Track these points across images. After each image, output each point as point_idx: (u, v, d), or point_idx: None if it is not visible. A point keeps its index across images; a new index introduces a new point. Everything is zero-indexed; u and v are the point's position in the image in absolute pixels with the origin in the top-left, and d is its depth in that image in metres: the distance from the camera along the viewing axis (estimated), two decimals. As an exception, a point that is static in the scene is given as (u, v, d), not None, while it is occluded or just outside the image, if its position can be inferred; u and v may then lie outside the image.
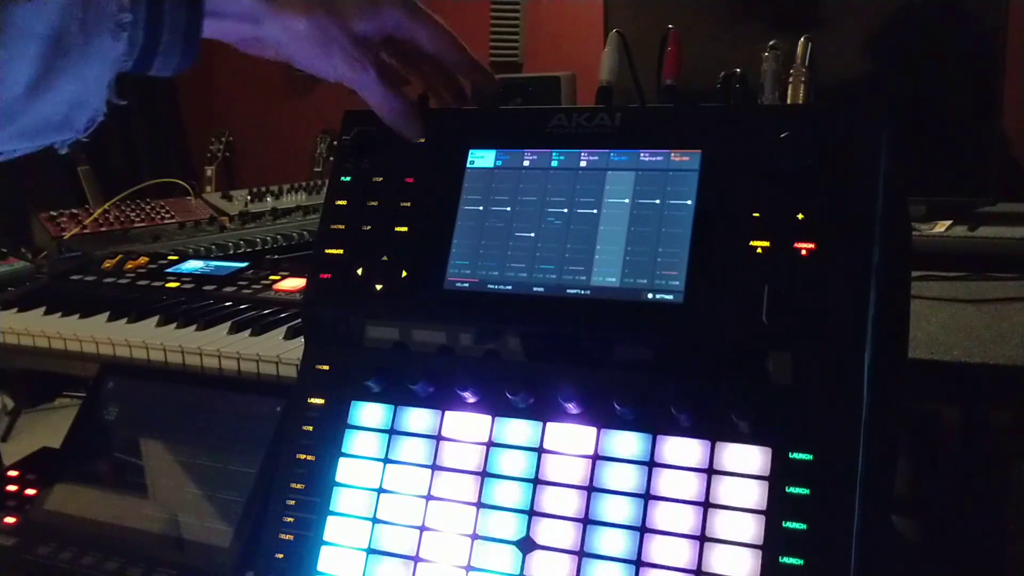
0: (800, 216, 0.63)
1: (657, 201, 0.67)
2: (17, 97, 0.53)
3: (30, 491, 0.98)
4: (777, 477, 0.60)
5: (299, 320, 1.05)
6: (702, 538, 0.61)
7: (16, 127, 0.55)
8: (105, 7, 0.55)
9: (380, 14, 0.70)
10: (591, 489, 0.64)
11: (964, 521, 1.02)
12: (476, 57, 0.76)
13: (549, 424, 0.67)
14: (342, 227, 0.75)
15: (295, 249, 1.65)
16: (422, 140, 0.74)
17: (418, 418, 0.71)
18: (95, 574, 0.87)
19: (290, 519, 0.72)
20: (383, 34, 0.71)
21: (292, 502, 0.72)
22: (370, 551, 0.69)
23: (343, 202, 0.76)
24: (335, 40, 0.68)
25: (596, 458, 0.65)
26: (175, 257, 1.40)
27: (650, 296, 0.65)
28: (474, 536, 0.66)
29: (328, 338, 0.75)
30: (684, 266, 0.65)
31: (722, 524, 0.61)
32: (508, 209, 0.71)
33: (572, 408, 0.66)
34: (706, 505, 0.61)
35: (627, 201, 0.68)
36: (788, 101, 0.74)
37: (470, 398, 0.69)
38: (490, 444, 0.68)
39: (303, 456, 0.73)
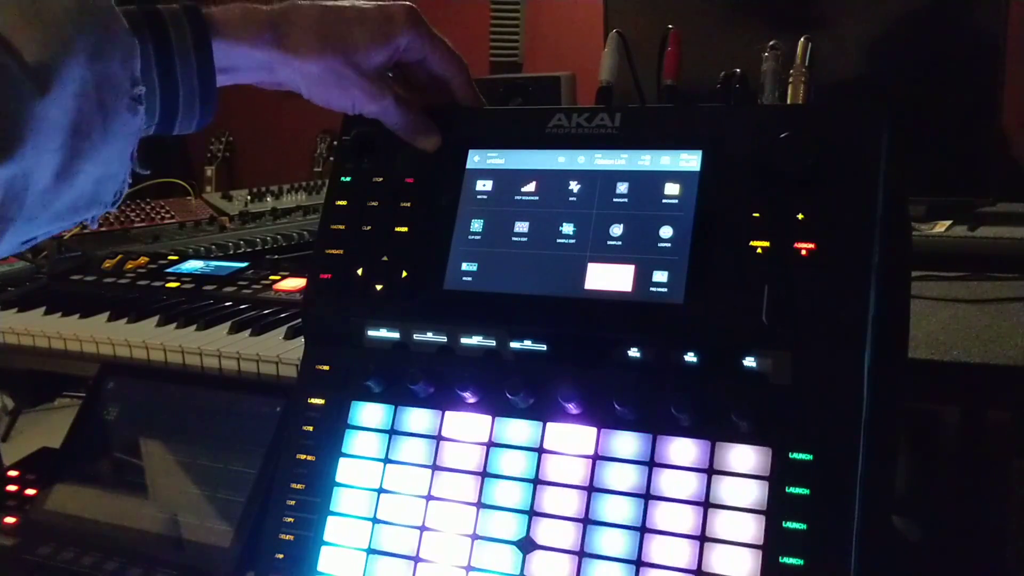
0: (800, 216, 0.63)
1: (657, 201, 0.67)
2: (47, 187, 0.54)
3: (30, 491, 0.98)
4: (777, 477, 0.60)
5: (299, 320, 1.05)
6: (702, 538, 0.61)
7: (49, 214, 0.56)
8: (119, 85, 0.55)
9: (394, 42, 0.70)
10: (591, 489, 0.64)
11: (964, 521, 1.02)
12: (471, 80, 0.76)
13: (549, 424, 0.67)
14: (342, 227, 0.75)
15: (295, 249, 1.65)
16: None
17: (418, 418, 0.71)
18: (95, 574, 0.87)
19: (290, 519, 0.72)
20: (396, 59, 0.72)
21: (292, 502, 0.72)
22: (370, 551, 0.69)
23: (343, 202, 0.76)
24: (350, 78, 0.68)
25: (596, 458, 0.65)
26: (175, 257, 1.40)
27: (650, 296, 0.65)
28: (474, 536, 0.66)
29: (328, 338, 0.75)
30: (684, 266, 0.65)
31: (722, 524, 0.61)
32: (508, 209, 0.71)
33: (572, 408, 0.66)
34: (706, 505, 0.61)
35: (627, 201, 0.68)
36: (788, 101, 0.73)
37: (470, 398, 0.69)
38: (490, 444, 0.68)
39: (303, 456, 0.73)
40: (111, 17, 0.55)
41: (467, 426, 0.69)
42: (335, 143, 0.77)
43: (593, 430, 0.66)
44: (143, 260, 1.39)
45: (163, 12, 0.60)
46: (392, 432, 0.71)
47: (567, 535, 0.64)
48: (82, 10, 0.54)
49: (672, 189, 0.67)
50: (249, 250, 1.66)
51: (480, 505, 0.67)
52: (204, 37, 0.61)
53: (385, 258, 0.72)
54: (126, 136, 0.57)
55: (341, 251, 0.74)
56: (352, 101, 0.70)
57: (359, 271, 0.73)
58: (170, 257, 1.41)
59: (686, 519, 0.61)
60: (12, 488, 0.99)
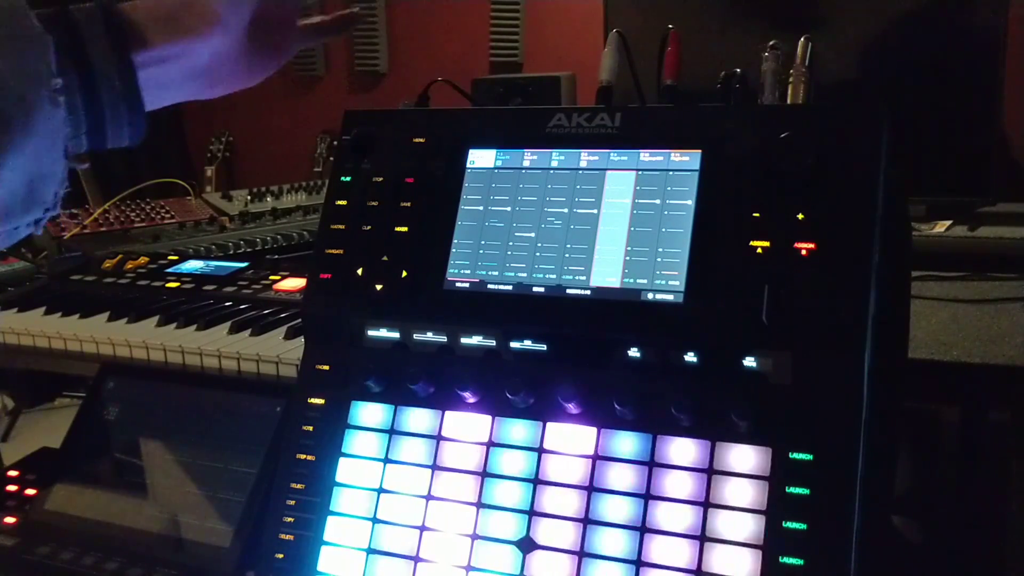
0: (800, 216, 0.63)
1: (657, 201, 0.67)
2: None
3: (30, 491, 0.98)
4: (777, 477, 0.60)
5: (299, 320, 1.05)
6: (702, 538, 0.61)
7: None
8: (36, 78, 0.55)
9: None
10: (591, 489, 0.64)
11: (964, 521, 1.02)
12: None
13: (549, 424, 0.67)
14: (342, 227, 0.75)
15: (295, 249, 1.65)
16: (420, 140, 0.74)
17: (418, 418, 0.71)
18: (95, 574, 0.87)
19: (290, 519, 0.72)
20: None
21: (292, 502, 0.72)
22: (370, 551, 0.69)
23: (343, 202, 0.76)
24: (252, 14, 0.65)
25: (596, 458, 0.65)
26: (175, 257, 1.40)
27: (650, 296, 0.65)
28: (474, 536, 0.66)
29: (328, 338, 0.75)
30: (684, 266, 0.65)
31: (722, 524, 0.61)
32: (508, 209, 0.71)
33: (572, 408, 0.66)
34: (706, 505, 0.61)
35: (627, 201, 0.68)
36: (788, 101, 0.74)
37: (470, 398, 0.69)
38: (490, 444, 0.68)
39: (303, 456, 0.73)
40: (21, 13, 0.55)
41: (467, 426, 0.69)
42: (335, 143, 0.77)
43: (593, 430, 0.66)
44: (143, 260, 1.39)
45: (73, 11, 0.59)
46: (392, 432, 0.71)
47: (567, 535, 0.64)
48: None
49: (672, 189, 0.67)
50: (249, 250, 1.66)
51: (480, 505, 0.67)
52: (120, 32, 0.60)
53: (385, 258, 0.72)
54: (52, 130, 0.56)
55: (341, 251, 0.74)
56: (278, 39, 0.67)
57: (359, 271, 0.73)
58: (170, 257, 1.41)
59: (686, 519, 0.61)
60: (12, 488, 0.99)
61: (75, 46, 0.58)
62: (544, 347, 0.68)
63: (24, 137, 0.54)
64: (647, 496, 0.63)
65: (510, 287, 0.69)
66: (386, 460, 0.70)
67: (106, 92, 0.59)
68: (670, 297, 0.65)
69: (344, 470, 0.71)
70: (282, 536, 0.72)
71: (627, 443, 0.64)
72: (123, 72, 0.60)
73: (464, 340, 0.70)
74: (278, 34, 0.69)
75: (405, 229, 0.73)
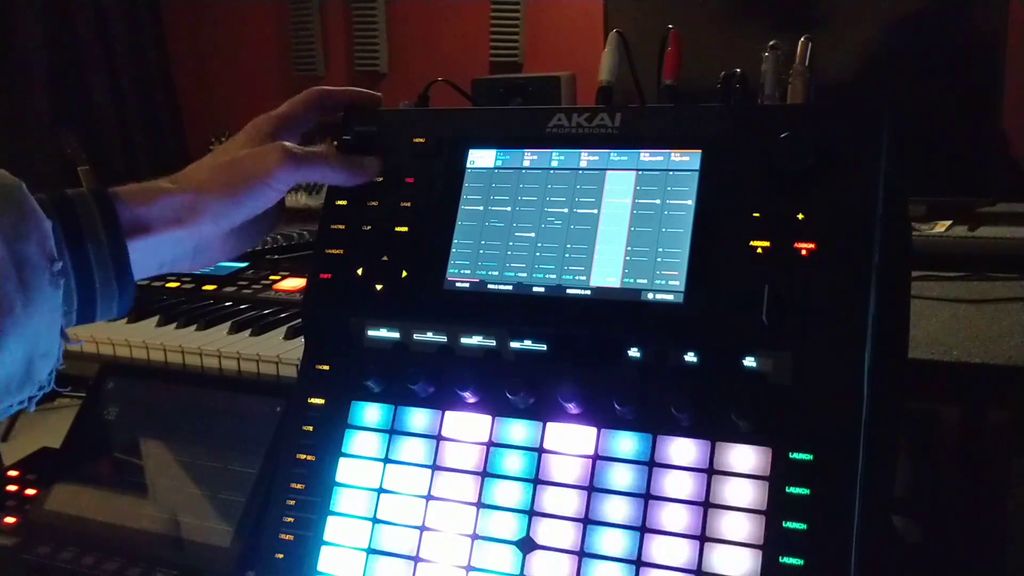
0: (800, 216, 0.63)
1: (657, 201, 0.67)
2: None
3: (30, 491, 0.98)
4: (777, 477, 0.60)
5: (299, 320, 1.05)
6: (702, 538, 0.61)
7: None
8: (37, 262, 0.57)
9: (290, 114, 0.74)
10: (591, 489, 0.64)
11: (964, 521, 1.02)
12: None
13: (549, 424, 0.67)
14: (342, 227, 0.75)
15: (295, 249, 1.65)
16: (420, 140, 0.74)
17: (418, 418, 0.71)
18: (95, 574, 0.87)
19: (290, 519, 0.72)
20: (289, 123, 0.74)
21: (292, 502, 0.72)
22: (370, 551, 0.69)
23: (343, 202, 0.76)
24: (240, 159, 0.69)
25: (596, 458, 0.65)
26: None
27: (650, 296, 0.65)
28: (474, 536, 0.66)
29: (328, 338, 0.75)
30: (684, 266, 0.65)
31: (722, 524, 0.61)
32: (508, 209, 0.71)
33: (572, 408, 0.66)
34: (706, 505, 0.61)
35: (627, 201, 0.68)
36: (788, 101, 0.74)
37: (470, 398, 0.69)
38: (490, 444, 0.68)
39: (303, 456, 0.73)
40: (24, 201, 0.58)
41: (467, 426, 0.69)
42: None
43: (593, 430, 0.66)
44: (143, 260, 1.39)
45: (70, 195, 0.62)
46: (392, 432, 0.71)
47: (567, 535, 0.64)
48: None
49: (672, 189, 0.67)
50: (249, 250, 1.66)
51: (480, 505, 0.67)
52: (109, 207, 0.63)
53: (385, 258, 0.72)
54: (51, 312, 0.58)
55: (341, 251, 0.74)
56: (259, 177, 0.69)
57: (359, 271, 0.73)
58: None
59: (686, 519, 0.61)
60: (12, 488, 0.99)
61: (72, 230, 0.61)
62: (544, 347, 0.68)
63: (26, 319, 0.56)
64: (647, 496, 0.63)
65: (510, 287, 0.69)
66: (386, 460, 0.70)
67: (99, 273, 0.62)
68: (670, 297, 0.65)
69: (344, 470, 0.71)
70: (282, 536, 0.72)
71: (627, 443, 0.64)
72: (116, 254, 0.62)
73: (464, 340, 0.70)
74: (264, 219, 0.73)
75: (405, 229, 0.73)
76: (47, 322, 0.58)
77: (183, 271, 0.71)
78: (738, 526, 0.60)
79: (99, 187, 0.65)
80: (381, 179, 0.75)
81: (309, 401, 0.74)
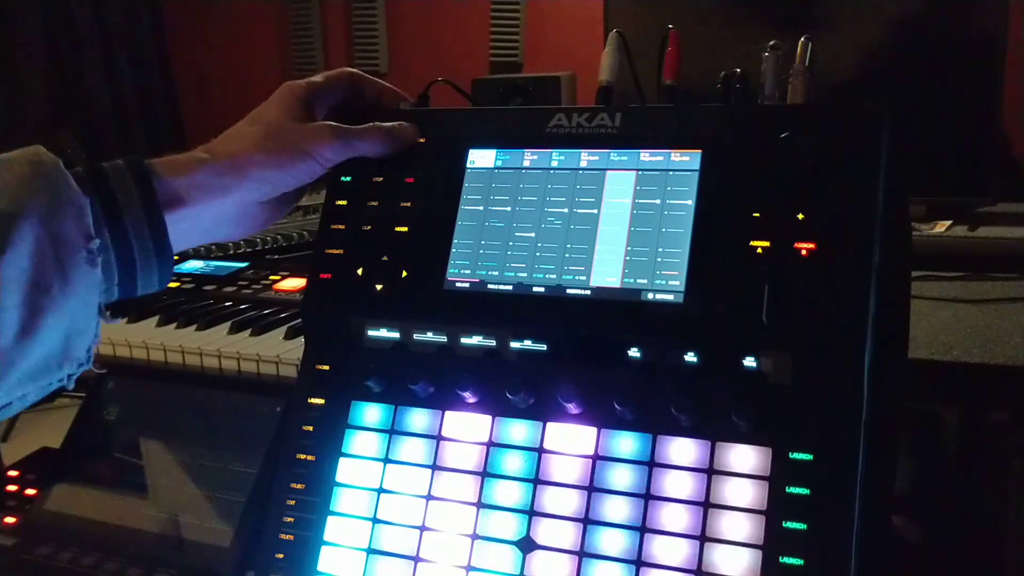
0: (800, 216, 0.63)
1: (657, 201, 0.67)
2: (10, 346, 0.55)
3: (30, 491, 0.98)
4: (777, 477, 0.60)
5: (299, 320, 1.05)
6: (702, 538, 0.61)
7: (17, 374, 0.56)
8: (74, 241, 0.57)
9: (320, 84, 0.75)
10: (591, 489, 0.64)
11: (964, 521, 1.02)
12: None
13: (549, 424, 0.67)
14: (342, 227, 0.75)
15: (295, 249, 1.65)
16: (421, 140, 0.74)
17: (418, 418, 0.71)
18: (95, 574, 0.87)
19: (290, 519, 0.72)
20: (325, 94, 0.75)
21: (292, 502, 0.72)
22: (370, 551, 0.69)
23: (343, 202, 0.76)
24: (290, 135, 0.70)
25: (596, 458, 0.65)
26: (175, 257, 1.40)
27: (650, 296, 0.65)
28: (474, 536, 0.66)
29: (328, 338, 0.75)
30: (684, 266, 0.65)
31: (722, 524, 0.61)
32: (508, 209, 0.71)
33: (572, 408, 0.66)
34: (706, 505, 0.61)
35: (627, 201, 0.68)
36: (788, 101, 0.73)
37: (470, 398, 0.69)
38: (490, 444, 0.68)
39: (303, 456, 0.73)
40: (61, 179, 0.58)
41: (467, 426, 0.69)
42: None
43: (593, 430, 0.66)
44: (143, 260, 1.39)
45: (106, 169, 0.62)
46: (392, 432, 0.71)
47: (567, 535, 0.64)
48: (34, 175, 0.57)
49: (672, 189, 0.67)
50: (249, 250, 1.66)
51: (480, 505, 0.67)
52: (147, 182, 0.63)
53: (385, 258, 0.72)
54: (88, 290, 0.59)
55: (341, 251, 0.74)
56: (309, 153, 0.70)
57: (359, 271, 0.73)
58: (170, 257, 1.40)
59: (686, 519, 0.61)
60: (12, 488, 0.99)
61: (109, 206, 0.61)
62: (544, 347, 0.68)
63: (63, 298, 0.57)
64: (647, 496, 0.63)
65: (510, 287, 0.69)
66: (386, 460, 0.70)
67: (138, 248, 0.62)
68: (670, 297, 0.65)
69: (344, 470, 0.71)
70: (282, 536, 0.72)
71: (627, 443, 0.64)
72: (154, 228, 0.62)
73: (464, 340, 0.70)
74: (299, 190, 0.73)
75: (405, 229, 0.73)
76: (84, 300, 0.58)
77: (223, 240, 0.71)
78: (738, 526, 0.60)
79: (136, 158, 0.64)
80: (381, 179, 0.75)
81: (309, 401, 0.74)
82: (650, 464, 0.63)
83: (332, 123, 0.72)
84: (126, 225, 0.61)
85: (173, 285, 1.27)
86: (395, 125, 0.74)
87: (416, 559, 0.67)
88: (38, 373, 0.58)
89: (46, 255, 0.55)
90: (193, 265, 1.35)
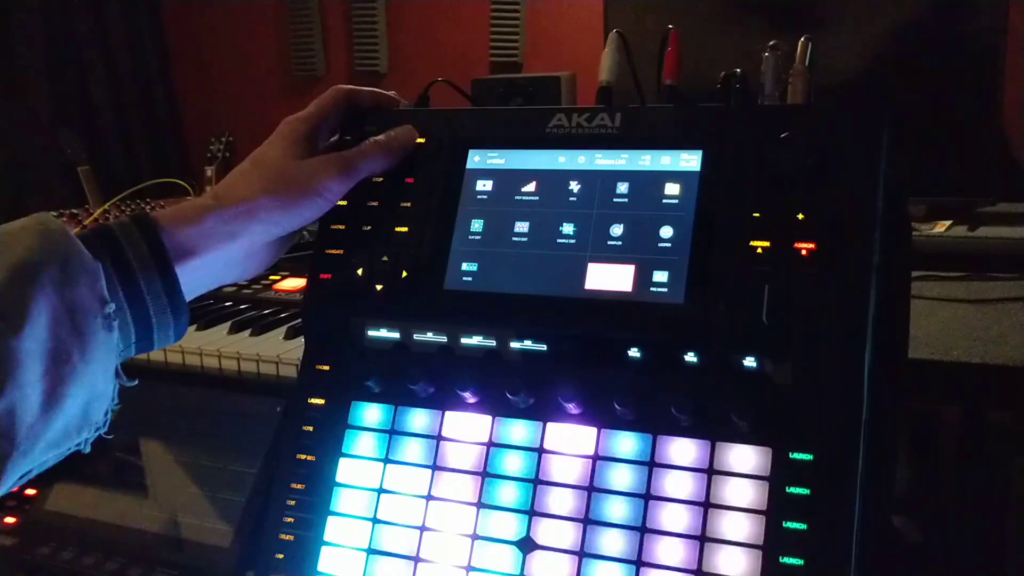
0: (800, 216, 0.63)
1: (657, 201, 0.67)
2: (36, 419, 0.54)
3: (30, 491, 0.98)
4: (777, 477, 0.60)
5: (299, 320, 1.05)
6: (702, 538, 0.61)
7: (42, 444, 0.56)
8: (89, 307, 0.57)
9: (315, 116, 0.74)
10: (591, 489, 0.64)
11: (964, 521, 1.02)
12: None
13: (549, 424, 0.67)
14: (342, 227, 0.75)
15: (295, 249, 1.65)
16: (421, 140, 0.74)
17: (418, 418, 0.71)
18: (95, 574, 0.87)
19: (290, 519, 0.72)
20: (322, 123, 0.74)
21: (292, 502, 0.72)
22: (370, 551, 0.69)
23: (343, 202, 0.76)
24: (295, 177, 0.69)
25: (596, 458, 0.65)
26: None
27: (650, 296, 0.65)
28: (474, 536, 0.66)
29: (328, 338, 0.75)
30: (684, 266, 0.65)
31: (722, 524, 0.61)
32: (508, 209, 0.71)
33: (572, 408, 0.66)
34: (706, 505, 0.61)
35: (627, 201, 0.68)
36: (788, 101, 0.74)
37: (470, 398, 0.69)
38: (490, 444, 0.68)
39: (303, 456, 0.73)
40: (71, 245, 0.57)
41: (467, 426, 0.69)
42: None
43: (593, 430, 0.66)
44: (143, 260, 1.39)
45: (114, 229, 0.62)
46: (392, 432, 0.71)
47: (567, 535, 0.64)
48: (43, 245, 0.56)
49: (672, 189, 0.67)
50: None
51: (480, 505, 0.67)
52: (155, 238, 0.62)
53: (385, 258, 0.72)
54: (106, 354, 0.58)
55: (341, 251, 0.74)
56: (316, 191, 0.69)
57: (359, 271, 0.73)
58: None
59: (686, 519, 0.61)
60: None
61: (122, 268, 0.60)
62: (544, 347, 0.68)
63: (84, 365, 0.57)
64: (647, 496, 0.63)
65: (510, 287, 0.69)
66: (386, 460, 0.70)
67: (154, 306, 0.62)
68: (670, 297, 0.64)
69: (344, 470, 0.71)
70: (282, 536, 0.72)
71: (627, 443, 0.64)
72: (168, 286, 0.62)
73: (464, 340, 0.70)
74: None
75: (405, 229, 0.73)
76: (104, 365, 0.58)
77: (232, 281, 0.71)
78: (738, 526, 0.60)
79: (143, 214, 0.64)
80: (381, 179, 0.75)
81: (309, 401, 0.74)
82: (650, 464, 0.63)
83: (334, 154, 0.72)
84: (140, 286, 0.60)
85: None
86: (392, 135, 0.74)
87: (416, 559, 0.67)
88: (60, 440, 0.58)
89: (63, 325, 0.55)
90: (193, 265, 1.34)
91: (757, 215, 0.64)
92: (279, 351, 0.98)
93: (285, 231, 0.70)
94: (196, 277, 0.65)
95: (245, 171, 0.70)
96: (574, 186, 0.70)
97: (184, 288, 0.63)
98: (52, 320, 0.54)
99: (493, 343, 0.70)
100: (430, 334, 0.71)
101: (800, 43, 0.74)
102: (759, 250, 0.63)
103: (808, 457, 0.60)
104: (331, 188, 0.70)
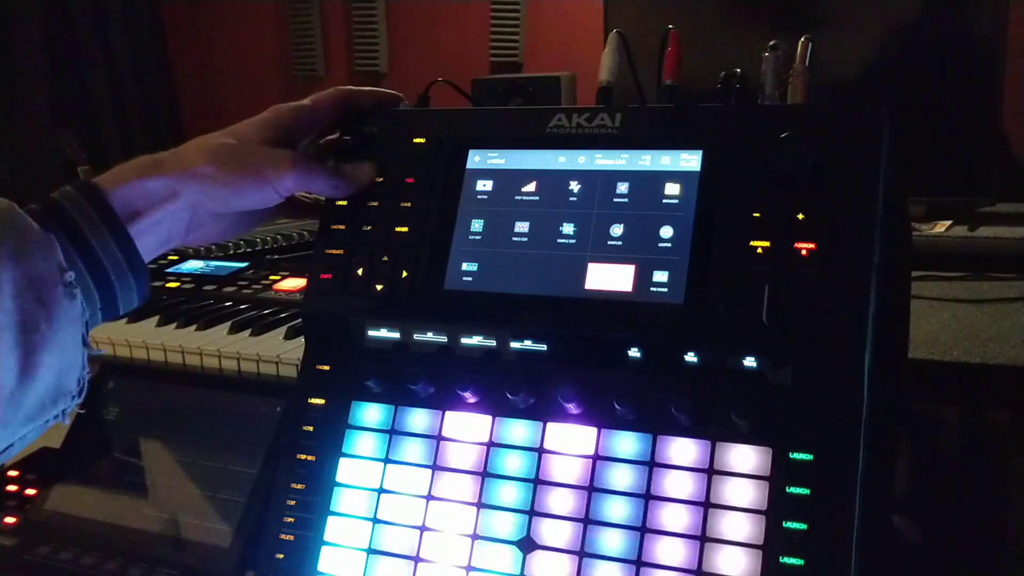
0: (800, 216, 0.63)
1: (657, 201, 0.67)
2: (13, 390, 0.56)
3: (30, 491, 0.98)
4: (777, 477, 0.60)
5: (299, 320, 1.05)
6: (702, 538, 0.61)
7: (20, 415, 0.57)
8: (49, 277, 0.58)
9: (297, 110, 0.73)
10: (591, 489, 0.64)
11: (964, 521, 1.02)
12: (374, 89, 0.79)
13: (549, 424, 0.67)
14: (342, 227, 0.75)
15: (295, 249, 1.65)
16: (421, 140, 0.74)
17: (418, 418, 0.71)
18: (95, 574, 0.87)
19: (290, 519, 0.72)
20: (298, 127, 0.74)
21: (292, 502, 0.72)
22: (370, 551, 0.69)
23: (343, 202, 0.76)
24: (250, 158, 0.69)
25: (596, 458, 0.65)
26: (175, 257, 1.40)
27: (650, 296, 0.65)
28: (474, 536, 0.66)
29: (328, 338, 0.75)
30: (684, 266, 0.65)
31: (722, 524, 0.61)
32: (508, 209, 0.71)
33: (572, 408, 0.66)
34: (706, 505, 0.61)
35: (627, 201, 0.68)
36: (788, 101, 0.73)
37: (470, 398, 0.69)
38: (490, 444, 0.68)
39: (303, 456, 0.73)
40: (21, 221, 0.58)
41: (467, 426, 0.69)
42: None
43: (593, 430, 0.66)
44: (143, 260, 1.39)
45: (59, 200, 0.62)
46: (392, 432, 0.71)
47: (567, 535, 0.64)
48: None
49: (672, 189, 0.67)
50: (249, 250, 1.66)
51: (480, 505, 0.67)
52: (102, 202, 0.63)
53: (385, 258, 0.72)
54: (72, 323, 0.59)
55: (341, 251, 0.74)
56: (265, 179, 0.69)
57: (359, 271, 0.73)
58: (170, 257, 1.41)
59: (686, 519, 0.61)
60: (12, 488, 0.99)
61: (75, 235, 0.61)
62: (544, 347, 0.68)
63: (52, 334, 0.57)
64: (647, 496, 0.63)
65: (510, 287, 0.69)
66: (386, 460, 0.70)
67: (113, 269, 0.62)
68: (670, 297, 0.64)
69: (344, 470, 0.71)
70: (282, 536, 0.72)
71: (627, 443, 0.64)
72: (123, 245, 0.63)
73: (464, 340, 0.70)
74: (265, 212, 0.73)
75: (405, 229, 0.73)
76: (71, 333, 0.59)
77: (177, 247, 0.71)
78: (738, 526, 0.60)
79: (84, 181, 0.64)
80: (381, 179, 0.75)
81: (309, 401, 0.74)
82: (650, 464, 0.63)
83: (294, 152, 0.72)
84: (95, 250, 0.61)
85: (173, 285, 1.27)
86: (352, 169, 0.74)
87: (416, 559, 0.68)
88: (36, 412, 0.58)
89: (26, 297, 0.56)
90: (193, 265, 1.35)
91: (757, 215, 0.64)
92: (279, 351, 0.98)
93: (226, 208, 0.70)
94: (147, 239, 0.66)
95: (211, 137, 0.71)
96: (574, 186, 0.70)
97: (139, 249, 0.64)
98: (16, 293, 0.55)
99: (493, 343, 0.70)
100: (430, 334, 0.71)
101: (800, 43, 0.74)
102: (759, 250, 0.63)
103: (808, 457, 0.60)
104: (282, 182, 0.70)
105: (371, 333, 0.73)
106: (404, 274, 0.71)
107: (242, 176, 0.68)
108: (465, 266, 0.71)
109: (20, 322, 0.55)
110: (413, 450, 0.70)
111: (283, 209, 0.75)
